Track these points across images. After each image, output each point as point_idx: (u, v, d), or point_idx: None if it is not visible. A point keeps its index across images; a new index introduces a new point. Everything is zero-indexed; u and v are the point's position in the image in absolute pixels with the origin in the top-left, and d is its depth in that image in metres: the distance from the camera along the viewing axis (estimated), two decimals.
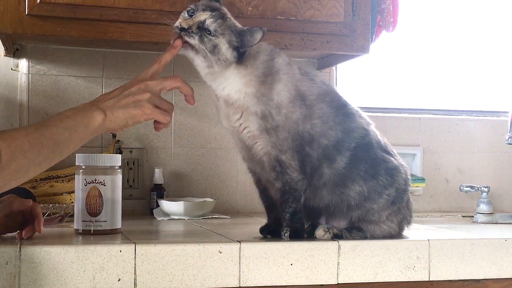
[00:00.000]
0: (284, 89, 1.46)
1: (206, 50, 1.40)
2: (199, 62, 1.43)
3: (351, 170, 1.48)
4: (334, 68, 2.37)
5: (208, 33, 1.39)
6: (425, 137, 2.47)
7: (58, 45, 2.11)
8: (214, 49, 1.40)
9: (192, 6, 1.43)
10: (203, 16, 1.40)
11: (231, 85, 1.44)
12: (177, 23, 1.41)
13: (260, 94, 1.44)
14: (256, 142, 1.47)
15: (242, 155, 1.56)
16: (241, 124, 1.46)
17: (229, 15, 1.46)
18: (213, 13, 1.41)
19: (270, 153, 1.46)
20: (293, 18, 1.95)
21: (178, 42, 1.40)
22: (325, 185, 1.49)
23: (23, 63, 2.12)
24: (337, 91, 1.58)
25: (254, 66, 1.45)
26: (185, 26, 1.39)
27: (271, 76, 1.46)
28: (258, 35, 1.42)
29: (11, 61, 2.12)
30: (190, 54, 1.42)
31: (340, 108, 1.52)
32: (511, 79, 2.67)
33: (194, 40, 1.39)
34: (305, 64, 2.28)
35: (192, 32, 1.39)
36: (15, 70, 2.12)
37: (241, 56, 1.43)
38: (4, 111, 2.09)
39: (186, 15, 1.42)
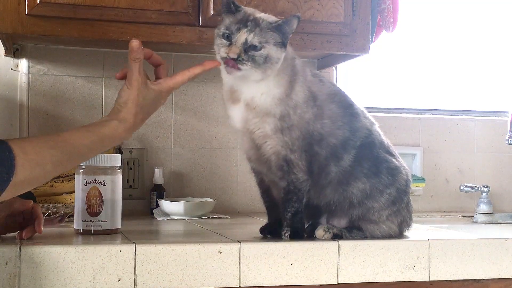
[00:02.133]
0: (300, 89, 1.48)
1: (260, 66, 1.41)
2: (254, 76, 1.42)
3: (355, 168, 1.50)
4: (334, 68, 2.37)
5: (255, 49, 1.40)
6: (425, 137, 2.47)
7: (58, 45, 2.11)
8: (266, 59, 1.41)
9: (222, 29, 1.43)
10: (243, 36, 1.40)
11: (264, 84, 1.44)
12: (223, 54, 1.41)
13: (285, 95, 1.45)
14: (266, 142, 1.47)
15: (249, 155, 1.55)
16: (256, 125, 1.46)
17: (257, 13, 1.46)
18: (249, 27, 1.41)
19: (279, 152, 1.46)
20: None
21: (218, 64, 1.42)
22: (330, 183, 1.50)
23: (23, 63, 2.12)
24: (344, 91, 1.59)
25: (287, 60, 1.47)
26: (235, 56, 1.39)
27: (294, 76, 1.48)
28: (295, 23, 1.44)
29: (11, 61, 2.12)
30: (246, 73, 1.42)
31: (347, 108, 1.54)
32: (511, 79, 2.67)
33: (247, 66, 1.40)
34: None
35: (243, 59, 1.40)
36: (15, 70, 2.12)
37: (286, 47, 1.45)
38: (4, 111, 2.09)
39: (224, 40, 1.42)
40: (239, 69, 1.40)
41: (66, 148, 1.25)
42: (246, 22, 1.42)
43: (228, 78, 1.47)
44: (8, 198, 1.18)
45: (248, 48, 1.40)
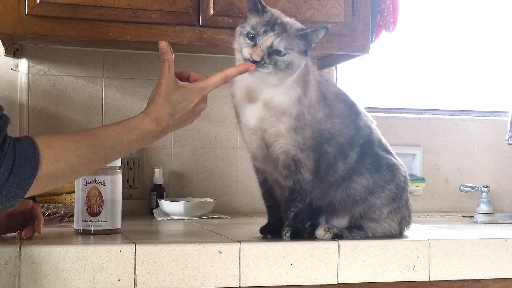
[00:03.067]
0: (312, 89, 1.48)
1: (281, 71, 1.40)
2: (271, 79, 1.42)
3: (358, 164, 1.51)
4: (334, 68, 2.37)
5: (279, 54, 1.40)
6: (425, 137, 2.47)
7: (58, 45, 2.11)
8: (288, 65, 1.40)
9: (248, 28, 1.42)
10: (269, 40, 1.40)
11: (283, 85, 1.43)
12: (246, 55, 1.40)
13: (302, 95, 1.45)
14: (278, 140, 1.47)
15: (255, 154, 1.54)
16: (270, 123, 1.46)
17: (283, 17, 1.45)
18: (276, 31, 1.40)
19: (289, 151, 1.46)
20: (293, 18, 1.94)
21: (253, 67, 1.40)
22: (337, 181, 1.51)
23: (23, 63, 2.12)
24: (344, 91, 1.60)
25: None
26: (258, 59, 1.38)
27: (307, 76, 1.48)
28: (322, 33, 1.43)
29: (11, 61, 2.12)
30: (265, 77, 1.42)
31: (352, 107, 1.55)
32: (511, 79, 2.67)
33: (268, 70, 1.39)
34: None
35: (265, 63, 1.39)
36: (15, 70, 2.12)
37: (307, 55, 1.45)
38: (4, 111, 2.09)
39: (248, 40, 1.41)
40: (258, 71, 1.40)
41: (91, 140, 1.25)
42: (273, 25, 1.41)
43: (245, 76, 1.45)
44: (36, 193, 1.20)
45: (272, 52, 1.39)
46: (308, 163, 1.47)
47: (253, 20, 1.43)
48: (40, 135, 1.22)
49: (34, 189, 1.17)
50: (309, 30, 1.43)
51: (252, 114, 1.47)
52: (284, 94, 1.44)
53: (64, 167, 1.19)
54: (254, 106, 1.46)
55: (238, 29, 1.45)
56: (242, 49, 1.41)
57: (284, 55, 1.40)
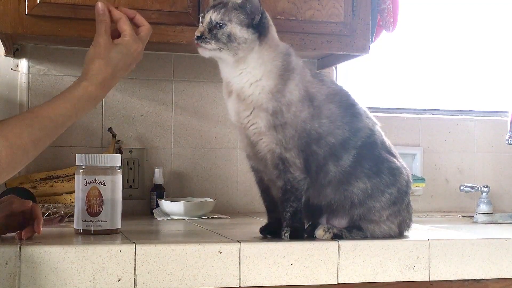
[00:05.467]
0: (295, 88, 1.48)
1: (224, 44, 1.43)
2: (224, 56, 1.45)
3: (355, 167, 1.50)
4: (334, 68, 2.37)
5: (219, 27, 1.43)
6: (425, 137, 2.47)
7: (58, 45, 2.11)
8: (230, 37, 1.43)
9: (201, 14, 1.48)
10: (208, 15, 1.44)
11: (251, 73, 1.45)
12: (195, 35, 1.45)
13: (276, 90, 1.45)
14: (261, 139, 1.47)
15: (247, 152, 1.56)
16: (249, 120, 1.47)
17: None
18: (216, 7, 1.45)
19: (274, 150, 1.46)
20: (293, 18, 1.95)
21: (197, 45, 1.44)
22: (330, 182, 1.50)
23: (23, 63, 2.12)
24: (347, 91, 1.59)
25: (276, 51, 1.48)
26: (198, 34, 1.44)
27: (287, 72, 1.48)
28: (256, 1, 1.44)
29: (11, 61, 2.12)
30: (216, 54, 1.45)
31: (348, 108, 1.54)
32: (511, 79, 2.67)
33: (211, 45, 1.43)
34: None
35: (206, 38, 1.43)
36: (15, 70, 2.12)
37: (261, 31, 1.46)
38: (4, 111, 2.09)
39: (200, 23, 1.47)
40: (201, 47, 1.44)
41: (43, 122, 1.25)
42: (217, 4, 1.46)
43: (222, 70, 1.49)
44: None
45: (213, 27, 1.43)
46: (298, 161, 1.47)
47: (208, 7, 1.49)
48: None
49: None
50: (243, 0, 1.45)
51: (231, 108, 1.50)
52: (254, 85, 1.45)
53: (21, 157, 1.20)
54: (231, 99, 1.49)
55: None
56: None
57: (222, 27, 1.43)
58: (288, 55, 1.50)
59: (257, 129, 1.47)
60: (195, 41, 1.45)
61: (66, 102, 1.30)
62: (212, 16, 1.44)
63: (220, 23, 1.43)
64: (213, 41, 1.43)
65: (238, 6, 1.44)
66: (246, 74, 1.46)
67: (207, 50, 1.44)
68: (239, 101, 1.47)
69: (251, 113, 1.46)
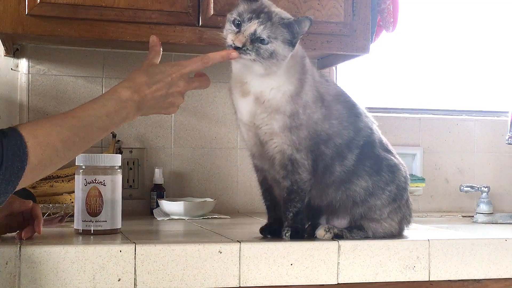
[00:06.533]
0: (309, 89, 1.47)
1: (264, 59, 1.39)
2: (256, 67, 1.41)
3: (358, 167, 1.50)
4: (334, 68, 2.37)
5: (262, 42, 1.39)
6: (425, 137, 2.47)
7: (58, 45, 2.11)
8: (272, 54, 1.40)
9: (234, 15, 1.42)
10: (252, 27, 1.39)
11: (273, 79, 1.43)
12: (229, 41, 1.40)
13: (295, 93, 1.44)
14: (272, 139, 1.47)
15: (252, 152, 1.55)
16: (264, 121, 1.45)
17: (273, 7, 1.45)
18: (260, 19, 1.39)
19: (284, 151, 1.46)
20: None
21: (236, 55, 1.39)
22: (334, 182, 1.50)
23: (23, 63, 2.12)
24: (346, 92, 1.59)
25: (297, 57, 1.46)
26: (240, 45, 1.38)
27: (304, 75, 1.47)
28: (306, 24, 1.42)
29: (11, 61, 2.12)
30: (247, 63, 1.41)
31: (352, 108, 1.54)
32: (511, 79, 2.67)
33: (251, 56, 1.39)
34: None
35: (247, 49, 1.39)
36: (15, 70, 2.12)
37: (294, 46, 1.43)
38: (4, 111, 2.09)
39: (233, 27, 1.41)
40: (241, 58, 1.39)
41: (71, 122, 1.24)
42: (259, 13, 1.40)
43: (237, 69, 1.46)
44: (27, 184, 1.20)
45: (255, 39, 1.39)
46: (306, 163, 1.47)
47: (241, 7, 1.43)
48: (23, 123, 1.21)
49: (24, 182, 1.17)
50: (292, 19, 1.42)
51: (245, 108, 1.47)
52: (276, 89, 1.44)
53: (50, 155, 1.19)
54: (246, 100, 1.46)
55: (227, 15, 1.45)
56: (227, 35, 1.42)
57: (267, 43, 1.39)
58: (304, 57, 1.50)
59: (269, 130, 1.46)
60: (231, 48, 1.39)
61: (96, 102, 1.30)
62: (257, 29, 1.38)
63: (265, 39, 1.39)
64: (253, 54, 1.39)
65: (285, 24, 1.41)
66: (268, 79, 1.44)
67: (241, 60, 1.40)
68: (257, 103, 1.45)
69: (268, 114, 1.45)
